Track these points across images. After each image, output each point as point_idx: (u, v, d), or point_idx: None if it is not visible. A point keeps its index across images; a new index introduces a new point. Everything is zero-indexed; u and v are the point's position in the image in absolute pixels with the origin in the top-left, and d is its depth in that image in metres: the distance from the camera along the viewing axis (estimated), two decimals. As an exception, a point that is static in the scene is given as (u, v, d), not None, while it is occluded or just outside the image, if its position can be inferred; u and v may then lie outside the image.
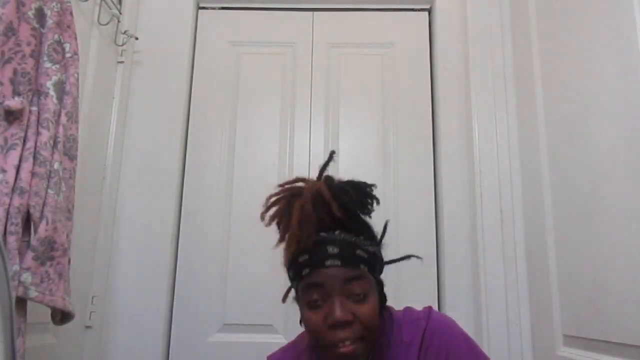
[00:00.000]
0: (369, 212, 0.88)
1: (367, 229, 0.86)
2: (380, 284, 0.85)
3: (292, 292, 0.86)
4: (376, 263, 0.84)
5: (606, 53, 1.04)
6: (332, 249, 0.79)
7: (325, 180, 0.87)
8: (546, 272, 1.26)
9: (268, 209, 0.87)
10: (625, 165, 0.97)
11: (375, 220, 1.55)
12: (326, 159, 0.93)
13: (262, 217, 0.87)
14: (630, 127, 0.95)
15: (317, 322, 0.78)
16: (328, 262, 0.78)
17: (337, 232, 0.82)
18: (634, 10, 0.94)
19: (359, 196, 0.86)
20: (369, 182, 0.92)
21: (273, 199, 0.87)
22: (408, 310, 0.91)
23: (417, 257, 0.92)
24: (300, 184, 0.87)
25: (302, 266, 0.80)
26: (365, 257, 0.81)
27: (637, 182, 0.93)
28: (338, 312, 0.75)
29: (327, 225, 0.81)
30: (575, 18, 1.18)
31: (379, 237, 0.90)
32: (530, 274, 1.39)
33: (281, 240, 0.85)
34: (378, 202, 0.90)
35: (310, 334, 0.81)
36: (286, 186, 0.88)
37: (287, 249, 0.83)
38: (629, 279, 0.95)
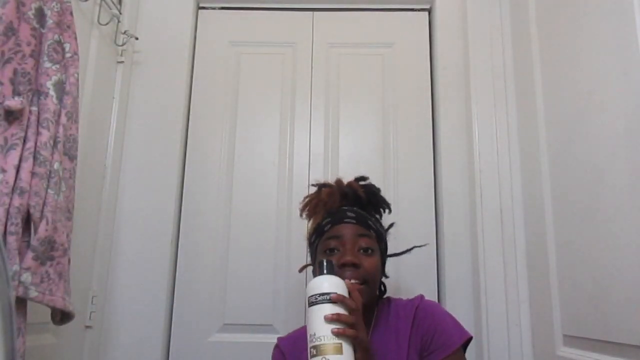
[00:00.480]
0: (381, 209, 1.15)
1: (378, 217, 1.12)
2: (384, 258, 1.08)
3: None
4: (383, 238, 1.07)
5: (606, 53, 1.04)
6: (350, 213, 1.04)
7: (349, 182, 1.13)
8: (546, 272, 1.26)
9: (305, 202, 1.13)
10: (626, 165, 0.97)
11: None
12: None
13: (301, 214, 1.15)
14: (630, 127, 0.95)
15: (336, 262, 0.97)
16: (346, 220, 1.02)
17: (355, 208, 1.07)
18: (634, 10, 0.94)
19: (376, 193, 1.14)
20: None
21: (309, 196, 1.13)
22: (400, 298, 1.11)
23: (419, 246, 1.20)
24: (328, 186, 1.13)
25: (324, 225, 1.04)
26: (375, 227, 1.05)
27: (637, 182, 0.93)
28: (349, 255, 0.97)
29: (349, 202, 1.08)
30: (575, 18, 1.18)
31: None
32: (530, 274, 1.39)
33: (311, 215, 1.11)
34: (390, 210, 1.17)
35: None
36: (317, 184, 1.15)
37: (314, 219, 1.09)
38: (628, 279, 0.95)
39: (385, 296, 1.11)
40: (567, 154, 1.20)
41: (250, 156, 1.63)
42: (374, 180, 1.59)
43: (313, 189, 1.16)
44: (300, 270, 1.18)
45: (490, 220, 1.45)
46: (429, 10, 1.76)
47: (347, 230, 1.01)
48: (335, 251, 1.00)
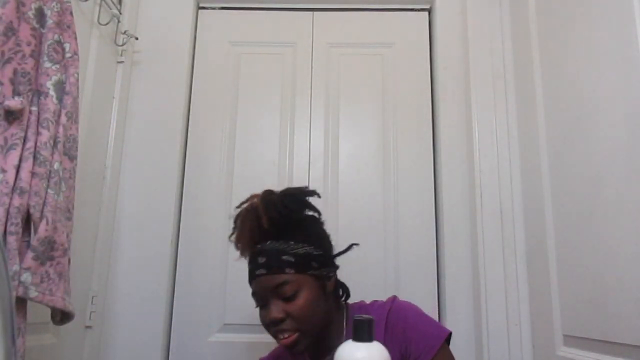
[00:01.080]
0: (301, 215, 1.02)
1: (300, 232, 0.98)
2: (323, 278, 0.98)
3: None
4: (309, 262, 0.96)
5: (606, 53, 1.04)
6: (261, 259, 0.95)
7: (262, 195, 1.00)
8: (546, 272, 1.26)
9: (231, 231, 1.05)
10: (625, 165, 0.97)
11: (374, 219, 1.56)
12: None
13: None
14: (630, 127, 0.96)
15: (263, 321, 0.96)
16: (257, 272, 0.95)
17: (268, 243, 0.96)
18: (634, 10, 0.94)
19: (285, 206, 0.97)
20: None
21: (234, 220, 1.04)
22: (375, 301, 1.05)
23: (356, 244, 1.06)
24: (245, 205, 1.02)
25: (248, 279, 0.98)
26: (292, 260, 0.94)
27: (637, 182, 0.93)
28: (270, 313, 0.93)
29: (262, 237, 0.97)
30: (575, 18, 1.18)
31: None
32: (530, 274, 1.39)
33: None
34: (311, 209, 1.03)
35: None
36: (240, 205, 1.03)
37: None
38: (628, 279, 0.95)
39: (355, 302, 1.06)
40: (567, 154, 1.20)
41: (250, 156, 1.63)
42: (374, 180, 1.61)
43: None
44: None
45: (490, 220, 1.45)
46: (429, 10, 1.76)
47: (262, 285, 0.94)
48: (262, 305, 0.96)
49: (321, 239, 1.01)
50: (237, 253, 1.03)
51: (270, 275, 0.93)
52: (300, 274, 0.94)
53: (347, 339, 0.94)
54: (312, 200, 1.04)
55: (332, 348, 0.94)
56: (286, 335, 0.92)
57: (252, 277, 0.96)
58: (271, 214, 0.95)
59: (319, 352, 1.00)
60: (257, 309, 0.99)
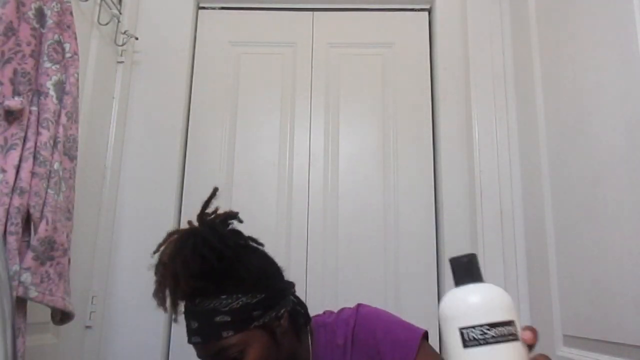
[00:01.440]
0: (228, 256, 0.81)
1: (231, 280, 0.81)
2: (271, 323, 0.82)
3: None
4: (249, 314, 0.80)
5: (606, 53, 1.04)
6: (193, 324, 0.80)
7: (176, 251, 0.82)
8: (546, 272, 1.26)
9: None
10: (625, 165, 0.97)
11: (374, 219, 1.56)
12: (209, 195, 0.90)
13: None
14: (630, 127, 0.95)
15: None
16: (192, 340, 0.81)
17: (197, 301, 0.80)
18: (634, 10, 0.94)
19: (204, 261, 0.79)
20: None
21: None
22: (341, 311, 0.95)
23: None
24: (163, 257, 0.83)
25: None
26: (229, 319, 0.79)
27: (637, 182, 0.93)
28: None
29: (187, 292, 0.80)
30: (575, 18, 1.18)
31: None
32: (530, 274, 1.39)
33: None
34: (234, 246, 0.83)
35: None
36: (158, 248, 0.85)
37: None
38: (628, 279, 0.95)
39: (317, 317, 0.96)
40: (567, 154, 1.20)
41: (250, 156, 1.63)
42: (374, 180, 1.61)
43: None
44: None
45: (490, 220, 1.45)
46: (429, 10, 1.76)
47: (201, 354, 0.82)
48: None
49: (260, 276, 0.84)
50: None
51: (207, 344, 0.79)
52: (241, 333, 0.79)
53: (317, 356, 0.86)
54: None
55: None
56: None
57: (189, 341, 0.82)
58: (187, 275, 0.78)
59: None
60: None
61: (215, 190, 0.90)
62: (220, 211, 0.88)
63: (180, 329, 1.49)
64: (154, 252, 0.85)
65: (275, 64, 1.71)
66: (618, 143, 0.99)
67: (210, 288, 0.80)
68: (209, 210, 0.88)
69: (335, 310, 0.99)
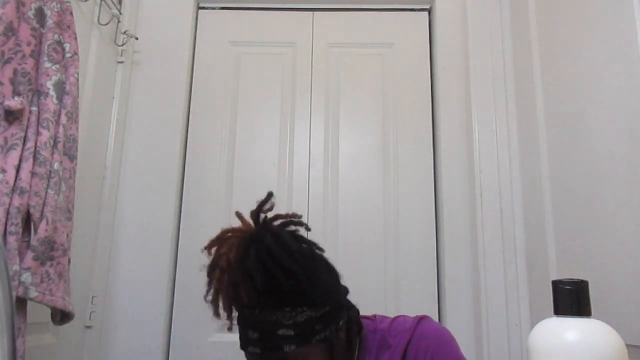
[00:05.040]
0: (298, 274, 0.75)
1: (296, 292, 0.75)
2: (331, 337, 0.77)
3: None
4: (312, 328, 0.75)
5: (606, 53, 1.04)
6: (252, 334, 0.75)
7: (237, 258, 0.78)
8: (546, 272, 1.26)
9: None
10: (625, 165, 0.97)
11: (374, 219, 1.56)
12: (265, 197, 0.84)
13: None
14: (630, 127, 0.95)
15: None
16: (250, 349, 0.75)
17: (256, 312, 0.75)
18: (634, 10, 0.94)
19: (270, 274, 0.74)
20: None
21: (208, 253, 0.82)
22: (396, 319, 0.88)
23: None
24: (221, 260, 0.81)
25: (240, 344, 0.79)
26: (292, 333, 0.74)
27: (637, 182, 0.93)
28: None
29: (246, 300, 0.76)
30: (575, 18, 1.18)
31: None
32: (530, 274, 1.39)
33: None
34: (304, 251, 0.79)
35: None
36: (210, 247, 0.84)
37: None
38: (629, 279, 0.95)
39: (369, 320, 0.89)
40: (567, 153, 1.20)
41: (250, 156, 1.63)
42: (374, 180, 1.61)
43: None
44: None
45: (490, 220, 1.45)
46: (429, 10, 1.76)
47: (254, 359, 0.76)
48: None
49: (326, 290, 0.79)
50: None
51: (267, 355, 0.74)
52: (302, 347, 0.74)
53: None
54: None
55: None
56: None
57: (243, 349, 0.77)
58: (250, 287, 0.74)
59: None
60: None
61: (270, 194, 0.84)
62: (276, 210, 0.83)
63: (180, 329, 1.50)
64: (205, 249, 0.83)
65: (275, 64, 1.71)
66: (618, 143, 0.99)
67: (274, 301, 0.75)
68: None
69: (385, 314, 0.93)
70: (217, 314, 0.79)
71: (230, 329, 0.79)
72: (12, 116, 0.93)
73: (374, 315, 0.91)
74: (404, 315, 0.89)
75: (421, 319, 0.85)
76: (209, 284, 0.81)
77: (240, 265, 0.76)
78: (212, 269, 0.81)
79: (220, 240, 0.83)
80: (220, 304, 0.79)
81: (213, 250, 0.83)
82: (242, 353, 1.54)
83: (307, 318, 0.75)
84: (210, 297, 0.80)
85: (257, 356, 0.75)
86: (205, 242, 1.64)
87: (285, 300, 0.75)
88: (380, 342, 0.84)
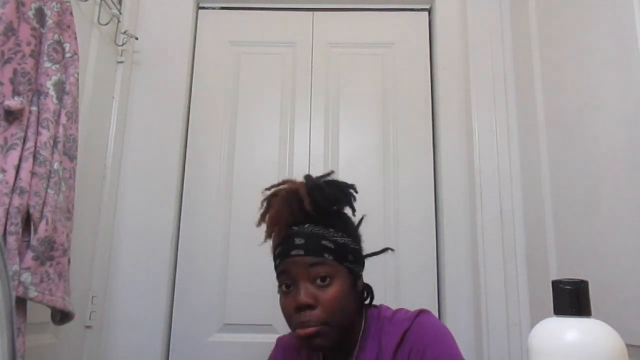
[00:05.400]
0: (342, 206, 0.96)
1: (340, 222, 0.92)
2: (355, 274, 0.91)
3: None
4: (346, 253, 0.89)
5: (606, 53, 1.04)
6: (299, 240, 0.87)
7: (304, 178, 0.96)
8: (546, 272, 1.26)
9: (262, 210, 0.96)
10: (625, 165, 0.97)
11: (374, 219, 1.56)
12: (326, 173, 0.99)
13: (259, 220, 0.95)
14: (630, 127, 0.96)
15: (286, 306, 0.86)
16: (293, 252, 0.86)
17: (306, 226, 0.89)
18: (634, 10, 0.94)
19: (332, 192, 0.92)
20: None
21: (262, 201, 0.96)
22: (398, 310, 0.94)
23: (391, 249, 1.06)
24: (284, 186, 0.95)
25: (275, 258, 0.91)
26: (332, 247, 0.87)
27: (637, 182, 0.93)
28: (301, 296, 0.83)
29: (300, 220, 0.89)
30: (575, 18, 1.18)
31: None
32: (530, 274, 1.39)
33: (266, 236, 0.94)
34: (354, 199, 0.96)
35: (285, 318, 0.88)
36: (270, 188, 0.97)
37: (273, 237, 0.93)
38: (629, 279, 0.95)
39: (374, 307, 0.96)
40: (567, 154, 1.20)
41: (250, 156, 1.63)
42: (374, 180, 1.61)
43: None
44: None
45: (490, 220, 1.45)
46: (429, 10, 1.76)
47: (296, 265, 0.86)
48: (291, 288, 0.86)
49: (357, 236, 0.96)
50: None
51: (308, 256, 0.85)
52: (336, 262, 0.87)
53: (363, 345, 0.90)
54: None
55: (347, 355, 0.90)
56: (310, 324, 0.82)
57: (285, 257, 0.87)
58: (315, 197, 0.89)
59: (332, 356, 0.92)
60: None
61: (331, 172, 1.00)
62: None
63: (180, 329, 1.50)
64: (268, 189, 0.96)
65: (275, 64, 1.71)
66: (618, 143, 0.99)
67: (322, 220, 0.90)
68: None
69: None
70: (269, 234, 0.92)
71: (275, 238, 0.92)
72: (12, 116, 0.93)
73: (380, 305, 0.97)
74: (407, 309, 0.95)
75: (422, 311, 0.90)
76: (267, 208, 0.93)
77: (309, 181, 0.93)
78: (272, 196, 0.94)
79: (272, 188, 0.96)
80: (277, 221, 0.90)
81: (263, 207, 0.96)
82: (242, 353, 1.55)
83: (346, 242, 0.90)
84: (268, 215, 0.92)
85: (296, 259, 0.86)
86: (206, 242, 1.65)
87: (331, 223, 0.90)
88: (381, 329, 0.90)
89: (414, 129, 1.65)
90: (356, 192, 0.96)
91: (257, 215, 0.95)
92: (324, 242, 0.87)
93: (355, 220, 0.97)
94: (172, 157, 1.58)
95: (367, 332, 0.91)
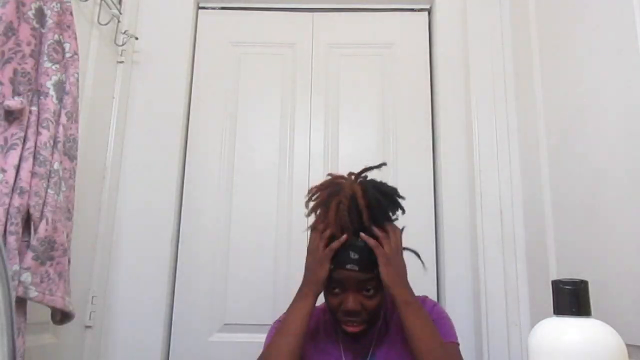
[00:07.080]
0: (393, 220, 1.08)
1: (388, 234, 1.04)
2: None
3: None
4: None
5: (606, 52, 1.04)
6: (353, 255, 0.99)
7: (361, 184, 1.05)
8: (546, 272, 1.26)
9: (310, 199, 1.06)
10: (625, 165, 0.97)
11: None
12: (375, 165, 1.12)
13: (306, 205, 1.06)
14: (630, 127, 0.96)
15: (334, 305, 1.01)
16: (348, 266, 0.99)
17: (359, 241, 1.00)
18: (634, 11, 0.94)
19: (388, 206, 1.06)
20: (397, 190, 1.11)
21: (315, 192, 1.06)
22: None
23: (418, 256, 1.16)
24: (341, 180, 1.06)
25: (333, 262, 1.01)
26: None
27: (637, 182, 0.93)
28: (350, 304, 0.98)
29: (357, 227, 1.00)
30: (575, 18, 1.18)
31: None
32: (530, 274, 1.39)
33: (314, 228, 1.03)
34: (404, 212, 1.11)
35: (328, 309, 1.05)
36: (327, 181, 1.08)
37: (319, 237, 1.02)
38: (628, 279, 0.95)
39: None
40: (567, 154, 1.20)
41: (250, 156, 1.63)
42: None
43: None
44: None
45: (490, 220, 1.45)
46: (429, 11, 1.76)
47: (350, 279, 0.99)
48: (338, 292, 1.01)
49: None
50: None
51: (361, 272, 0.98)
52: (379, 273, 1.00)
53: (387, 335, 1.08)
54: None
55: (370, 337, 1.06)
56: (355, 324, 0.99)
57: (340, 267, 0.99)
58: (374, 213, 1.01)
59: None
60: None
61: (383, 164, 1.13)
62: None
63: (180, 329, 1.50)
64: (320, 187, 1.06)
65: (275, 65, 1.71)
66: (618, 142, 0.99)
67: (374, 230, 1.01)
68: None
69: None
70: (324, 227, 1.01)
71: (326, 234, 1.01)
72: (12, 116, 0.93)
73: None
74: None
75: (425, 298, 1.11)
76: (323, 214, 1.02)
77: (357, 201, 1.00)
78: (324, 203, 1.03)
79: (329, 183, 1.07)
80: (335, 227, 1.00)
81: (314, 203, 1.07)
82: (242, 353, 1.55)
83: None
84: (328, 218, 1.01)
85: (351, 273, 0.98)
86: (206, 242, 1.65)
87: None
88: (386, 308, 1.10)
89: (414, 129, 1.65)
90: (402, 198, 1.10)
91: (306, 208, 1.06)
92: (373, 257, 1.00)
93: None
94: (172, 157, 1.58)
95: (390, 318, 1.09)
